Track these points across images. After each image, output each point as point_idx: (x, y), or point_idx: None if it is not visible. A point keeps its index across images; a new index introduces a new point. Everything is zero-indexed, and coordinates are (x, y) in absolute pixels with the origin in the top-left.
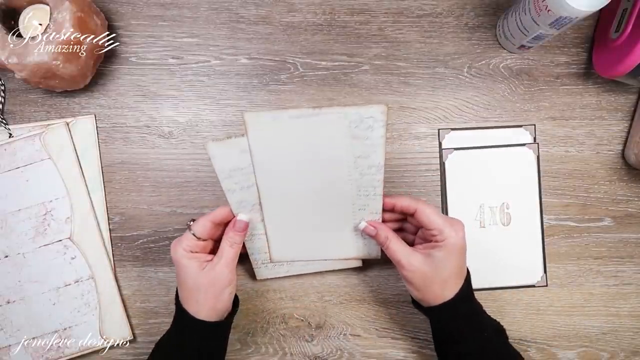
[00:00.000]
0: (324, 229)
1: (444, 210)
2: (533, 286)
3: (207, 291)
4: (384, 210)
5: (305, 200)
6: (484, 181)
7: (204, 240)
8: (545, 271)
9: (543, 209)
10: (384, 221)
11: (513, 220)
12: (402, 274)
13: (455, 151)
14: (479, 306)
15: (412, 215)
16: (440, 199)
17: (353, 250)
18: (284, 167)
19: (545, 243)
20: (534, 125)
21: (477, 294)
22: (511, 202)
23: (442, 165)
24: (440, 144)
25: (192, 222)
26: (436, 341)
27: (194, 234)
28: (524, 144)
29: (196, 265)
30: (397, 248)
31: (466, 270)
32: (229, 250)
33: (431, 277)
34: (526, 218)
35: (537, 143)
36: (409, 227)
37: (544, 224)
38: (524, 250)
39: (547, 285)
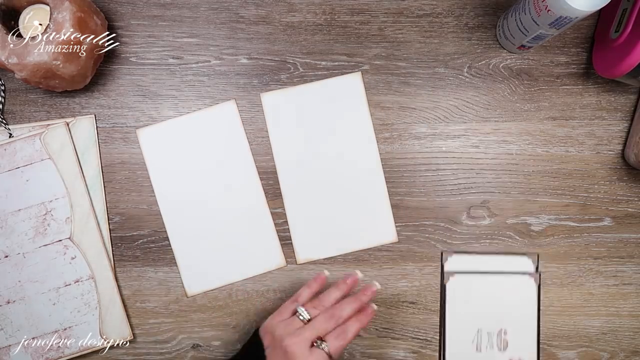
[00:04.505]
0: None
1: (442, 332)
2: None
3: None
4: None
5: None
6: (484, 306)
7: None
8: None
9: (541, 338)
10: None
11: (510, 346)
12: None
13: (457, 274)
14: None
15: None
16: (438, 320)
17: None
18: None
19: (545, 244)
20: (537, 254)
21: None
22: (509, 328)
23: (442, 287)
24: (442, 266)
25: (321, 340)
26: None
27: (329, 355)
28: (525, 273)
29: None
30: None
31: None
32: None
33: None
34: (523, 345)
35: (540, 272)
36: None
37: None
38: None
39: None
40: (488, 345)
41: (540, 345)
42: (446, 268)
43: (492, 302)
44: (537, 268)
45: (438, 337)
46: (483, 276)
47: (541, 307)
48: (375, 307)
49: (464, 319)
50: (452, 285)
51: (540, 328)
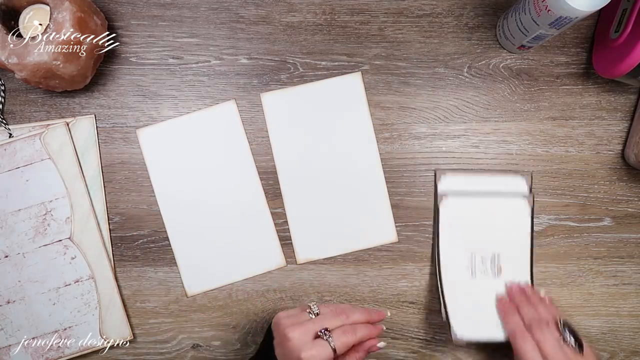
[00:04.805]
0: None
1: (436, 255)
2: None
3: None
4: None
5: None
6: (477, 230)
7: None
8: None
9: (534, 261)
10: None
11: (504, 271)
12: None
13: (451, 196)
14: None
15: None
16: (432, 243)
17: None
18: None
19: (545, 244)
20: (531, 173)
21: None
22: (503, 253)
23: (436, 209)
24: (436, 186)
25: (328, 333)
26: None
27: (334, 349)
28: (519, 194)
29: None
30: None
31: None
32: None
33: None
34: (517, 270)
35: (533, 194)
36: None
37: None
38: None
39: None
40: (482, 271)
41: (534, 270)
42: (439, 188)
43: (486, 226)
44: (530, 189)
45: (431, 262)
46: (476, 198)
47: (534, 231)
48: (384, 327)
49: (457, 242)
50: (446, 207)
51: (534, 253)
